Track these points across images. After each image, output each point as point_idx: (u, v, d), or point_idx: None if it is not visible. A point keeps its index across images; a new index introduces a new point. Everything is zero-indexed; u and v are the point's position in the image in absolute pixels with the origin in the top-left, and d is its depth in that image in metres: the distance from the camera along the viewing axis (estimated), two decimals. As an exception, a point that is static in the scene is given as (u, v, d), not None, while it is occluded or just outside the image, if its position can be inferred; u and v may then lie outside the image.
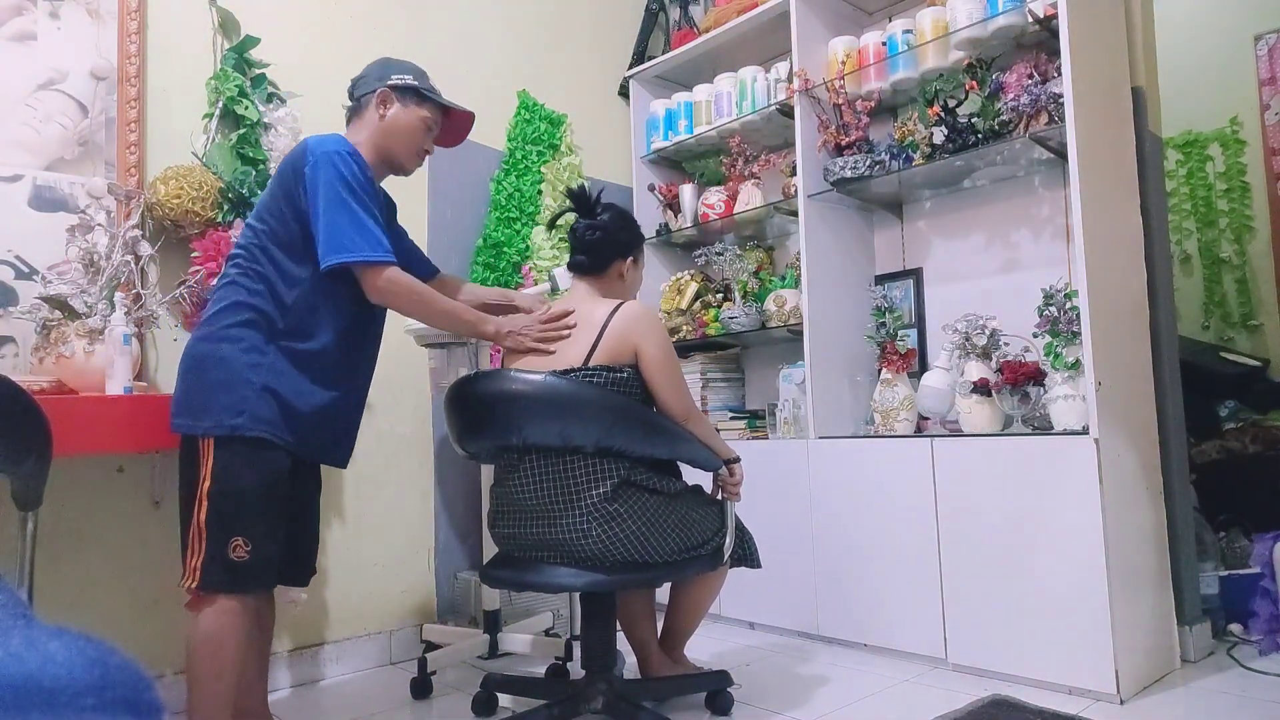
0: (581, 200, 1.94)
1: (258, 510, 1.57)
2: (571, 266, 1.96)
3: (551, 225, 2.27)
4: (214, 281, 2.05)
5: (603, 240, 1.90)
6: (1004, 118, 2.32)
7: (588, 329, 1.78)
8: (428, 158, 1.92)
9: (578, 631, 2.48)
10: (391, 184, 1.89)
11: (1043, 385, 2.17)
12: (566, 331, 1.80)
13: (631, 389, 1.76)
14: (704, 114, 3.17)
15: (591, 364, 1.74)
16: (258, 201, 1.76)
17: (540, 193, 3.02)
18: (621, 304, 1.81)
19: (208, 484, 1.56)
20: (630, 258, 1.96)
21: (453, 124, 1.93)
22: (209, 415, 1.57)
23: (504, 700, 2.02)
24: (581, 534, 1.65)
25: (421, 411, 2.70)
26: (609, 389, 1.73)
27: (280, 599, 1.88)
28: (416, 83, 1.81)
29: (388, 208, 1.89)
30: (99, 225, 1.98)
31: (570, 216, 1.98)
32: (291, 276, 1.65)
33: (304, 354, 1.65)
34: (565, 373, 1.72)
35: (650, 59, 3.38)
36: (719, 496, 1.92)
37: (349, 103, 1.85)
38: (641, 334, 1.77)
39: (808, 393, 2.61)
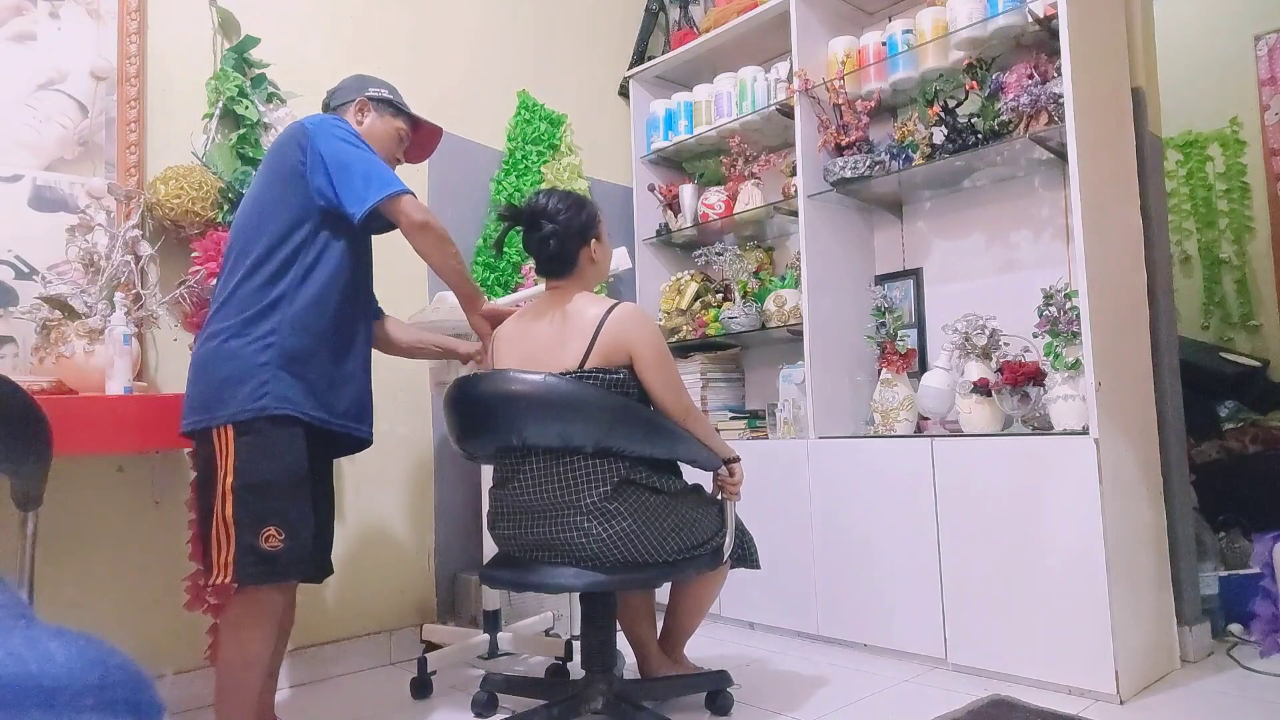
0: (516, 215, 1.85)
1: (288, 497, 1.56)
2: (541, 274, 1.91)
3: (499, 249, 1.94)
4: (213, 282, 2.06)
5: (560, 243, 1.83)
6: (1004, 118, 2.32)
7: (581, 331, 1.76)
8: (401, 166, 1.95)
9: (578, 631, 2.48)
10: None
11: (1043, 385, 2.17)
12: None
13: (629, 390, 1.76)
14: (704, 114, 3.17)
15: (587, 367, 1.73)
16: (242, 202, 1.76)
17: (540, 193, 3.02)
18: (615, 305, 1.79)
19: (230, 478, 1.54)
20: (593, 239, 1.88)
21: (421, 139, 1.99)
22: (226, 406, 1.55)
23: (504, 700, 2.02)
24: (582, 534, 1.65)
25: (421, 411, 2.70)
26: (607, 390, 1.73)
27: None
28: (392, 97, 1.91)
29: None
30: (99, 225, 1.98)
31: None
32: (282, 253, 1.64)
33: (309, 323, 1.63)
34: (562, 375, 1.72)
35: (650, 59, 3.38)
36: (719, 496, 1.92)
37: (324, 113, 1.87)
38: (634, 336, 1.75)
39: (808, 393, 2.61)
